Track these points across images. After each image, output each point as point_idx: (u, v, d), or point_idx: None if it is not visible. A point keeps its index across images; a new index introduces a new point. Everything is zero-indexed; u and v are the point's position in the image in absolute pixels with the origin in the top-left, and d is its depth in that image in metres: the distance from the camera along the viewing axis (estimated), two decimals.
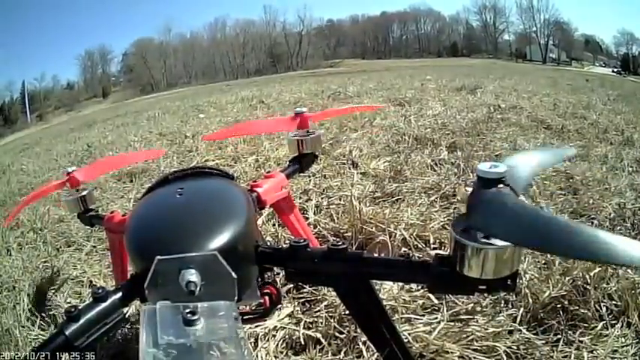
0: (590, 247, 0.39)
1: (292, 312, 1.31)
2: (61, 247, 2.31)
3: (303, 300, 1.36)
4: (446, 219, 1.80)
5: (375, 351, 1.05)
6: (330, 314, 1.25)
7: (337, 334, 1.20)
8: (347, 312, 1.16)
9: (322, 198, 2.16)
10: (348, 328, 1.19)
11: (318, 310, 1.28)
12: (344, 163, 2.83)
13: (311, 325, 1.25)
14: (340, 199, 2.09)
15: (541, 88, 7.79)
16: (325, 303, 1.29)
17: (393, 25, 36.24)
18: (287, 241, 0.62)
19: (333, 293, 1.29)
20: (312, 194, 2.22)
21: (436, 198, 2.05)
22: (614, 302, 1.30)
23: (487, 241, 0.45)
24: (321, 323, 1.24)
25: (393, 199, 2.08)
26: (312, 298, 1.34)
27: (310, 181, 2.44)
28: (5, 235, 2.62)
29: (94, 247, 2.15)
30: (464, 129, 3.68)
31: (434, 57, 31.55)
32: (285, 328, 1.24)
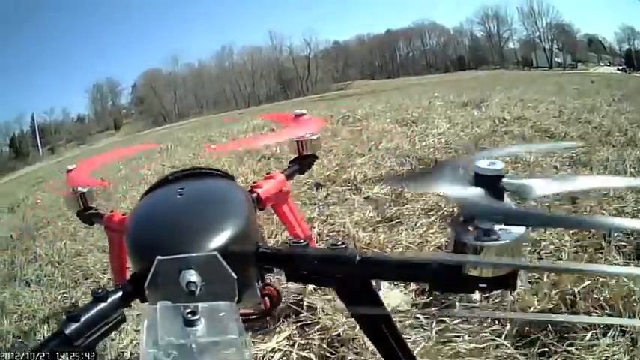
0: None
1: (290, 334, 1.39)
2: (78, 279, 2.44)
3: (301, 324, 1.45)
4: (444, 240, 1.86)
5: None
6: (323, 336, 1.32)
7: (328, 354, 1.27)
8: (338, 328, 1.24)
9: (324, 225, 2.24)
10: (338, 349, 1.27)
11: (311, 332, 1.36)
12: (349, 189, 2.92)
13: (305, 347, 1.34)
14: (342, 227, 2.17)
15: (547, 95, 7.76)
16: (318, 326, 1.37)
17: (399, 43, 36.42)
18: (287, 242, 0.62)
19: (327, 316, 1.38)
20: (316, 222, 2.30)
21: (435, 219, 2.12)
22: (605, 311, 1.34)
23: (487, 237, 0.45)
24: (315, 345, 1.32)
25: (393, 222, 2.15)
26: (309, 322, 1.44)
27: (315, 209, 2.52)
28: (24, 268, 2.81)
29: (110, 279, 2.25)
30: (466, 146, 3.73)
31: (441, 72, 31.62)
32: (282, 350, 1.32)
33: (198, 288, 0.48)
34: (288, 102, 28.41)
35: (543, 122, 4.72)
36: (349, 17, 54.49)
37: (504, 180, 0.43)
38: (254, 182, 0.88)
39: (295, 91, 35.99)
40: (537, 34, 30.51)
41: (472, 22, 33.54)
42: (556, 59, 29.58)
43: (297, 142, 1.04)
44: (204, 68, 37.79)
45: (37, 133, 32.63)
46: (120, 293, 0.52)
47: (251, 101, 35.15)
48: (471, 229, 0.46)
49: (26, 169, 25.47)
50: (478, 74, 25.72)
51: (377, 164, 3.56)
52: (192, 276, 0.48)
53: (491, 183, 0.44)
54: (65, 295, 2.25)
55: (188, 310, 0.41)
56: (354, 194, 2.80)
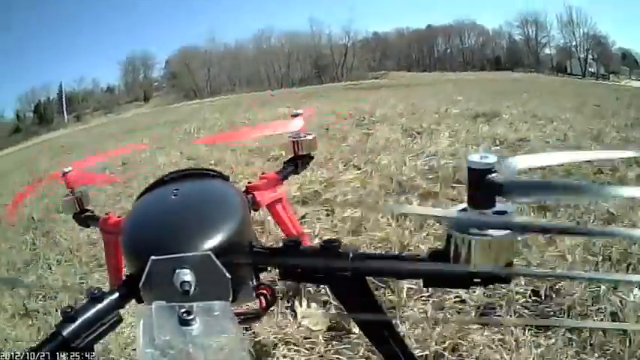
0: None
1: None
2: (92, 267, 2.87)
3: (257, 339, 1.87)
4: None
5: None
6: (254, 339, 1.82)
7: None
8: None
9: None
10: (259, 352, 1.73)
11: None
12: (325, 210, 3.12)
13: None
14: None
15: (563, 111, 7.62)
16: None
17: (437, 39, 35.83)
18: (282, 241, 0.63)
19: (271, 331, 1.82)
20: None
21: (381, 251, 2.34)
22: None
23: (481, 233, 0.44)
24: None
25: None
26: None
27: None
28: (47, 253, 3.30)
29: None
30: (447, 176, 3.68)
31: (477, 70, 31.19)
32: None
33: (193, 288, 0.49)
34: (320, 87, 28.14)
35: (541, 147, 4.77)
36: (390, 10, 53.51)
37: (494, 175, 0.42)
38: (249, 182, 0.87)
39: (330, 77, 35.63)
40: (574, 42, 30.04)
41: (511, 26, 33.03)
42: (590, 69, 28.99)
43: (293, 142, 1.03)
44: (241, 49, 37.49)
45: (64, 100, 32.55)
46: (116, 294, 0.53)
47: (284, 83, 34.84)
48: (465, 223, 0.45)
49: (49, 134, 25.49)
50: (514, 76, 25.13)
51: (365, 182, 3.72)
52: (187, 276, 0.49)
53: (482, 177, 0.43)
54: (82, 281, 2.71)
55: (183, 310, 0.42)
56: (327, 215, 3.04)
